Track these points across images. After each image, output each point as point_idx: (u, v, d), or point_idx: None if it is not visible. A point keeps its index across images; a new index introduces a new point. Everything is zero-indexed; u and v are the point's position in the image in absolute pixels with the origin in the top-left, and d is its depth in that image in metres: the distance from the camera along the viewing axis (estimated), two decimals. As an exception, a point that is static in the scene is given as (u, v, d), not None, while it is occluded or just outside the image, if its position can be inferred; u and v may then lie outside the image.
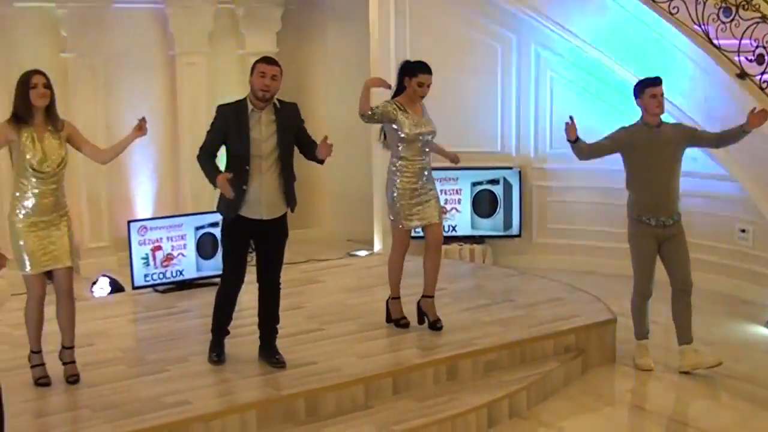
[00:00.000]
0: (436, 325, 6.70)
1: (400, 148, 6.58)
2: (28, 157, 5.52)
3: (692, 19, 7.90)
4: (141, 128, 5.82)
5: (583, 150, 6.60)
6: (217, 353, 6.07)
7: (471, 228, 9.68)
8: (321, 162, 6.01)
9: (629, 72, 8.48)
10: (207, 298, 7.45)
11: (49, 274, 5.68)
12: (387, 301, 6.88)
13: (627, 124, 6.66)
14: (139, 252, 7.95)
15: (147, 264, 7.97)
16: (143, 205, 10.00)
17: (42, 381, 5.70)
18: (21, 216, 5.58)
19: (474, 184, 9.63)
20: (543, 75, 9.58)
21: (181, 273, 8.13)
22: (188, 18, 10.00)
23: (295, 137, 5.94)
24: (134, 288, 7.95)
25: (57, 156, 5.59)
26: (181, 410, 5.29)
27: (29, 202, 5.58)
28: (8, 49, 9.13)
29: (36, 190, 5.56)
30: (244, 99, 5.87)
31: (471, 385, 6.08)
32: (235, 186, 5.72)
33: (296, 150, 5.99)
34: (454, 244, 9.50)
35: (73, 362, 5.80)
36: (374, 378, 5.87)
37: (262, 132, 5.79)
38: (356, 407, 5.70)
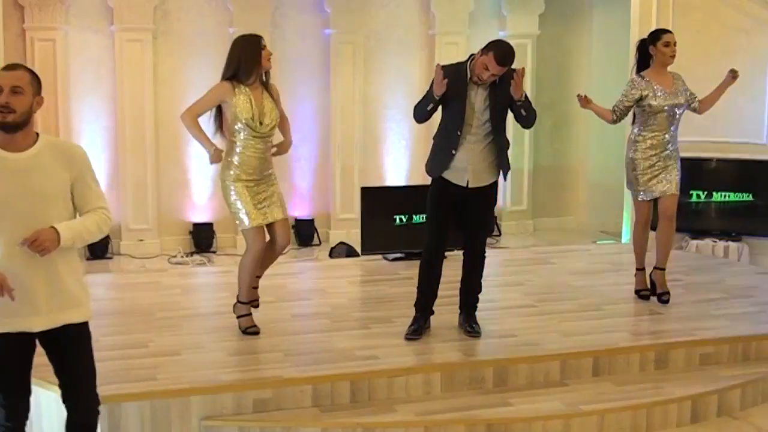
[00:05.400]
0: (662, 298, 6.68)
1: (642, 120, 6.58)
2: (245, 116, 5.52)
3: None
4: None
5: None
6: (414, 328, 5.80)
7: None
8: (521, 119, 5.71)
9: None
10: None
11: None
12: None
13: None
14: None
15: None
16: (392, 178, 10.20)
17: (251, 330, 5.80)
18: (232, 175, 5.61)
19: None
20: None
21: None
22: (451, -2, 10.11)
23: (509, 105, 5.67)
24: (363, 253, 8.12)
25: (272, 116, 5.62)
26: (368, 363, 5.35)
27: (238, 160, 5.60)
28: (273, 24, 9.62)
29: (247, 151, 5.59)
30: (465, 62, 5.68)
31: (680, 377, 5.66)
32: (443, 149, 5.67)
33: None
34: (707, 240, 8.98)
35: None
36: (573, 356, 5.62)
37: (478, 100, 5.60)
38: (549, 383, 5.50)
